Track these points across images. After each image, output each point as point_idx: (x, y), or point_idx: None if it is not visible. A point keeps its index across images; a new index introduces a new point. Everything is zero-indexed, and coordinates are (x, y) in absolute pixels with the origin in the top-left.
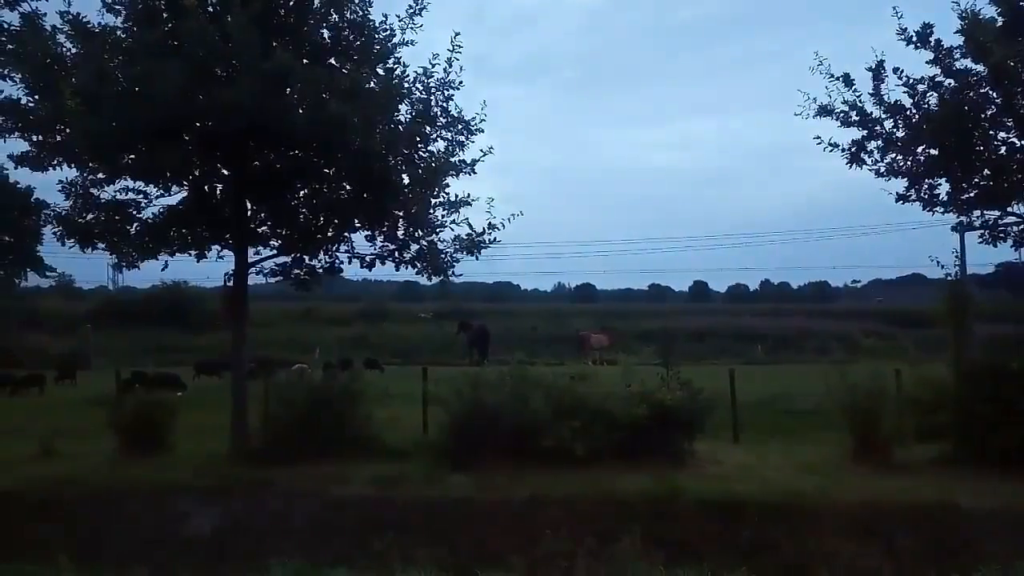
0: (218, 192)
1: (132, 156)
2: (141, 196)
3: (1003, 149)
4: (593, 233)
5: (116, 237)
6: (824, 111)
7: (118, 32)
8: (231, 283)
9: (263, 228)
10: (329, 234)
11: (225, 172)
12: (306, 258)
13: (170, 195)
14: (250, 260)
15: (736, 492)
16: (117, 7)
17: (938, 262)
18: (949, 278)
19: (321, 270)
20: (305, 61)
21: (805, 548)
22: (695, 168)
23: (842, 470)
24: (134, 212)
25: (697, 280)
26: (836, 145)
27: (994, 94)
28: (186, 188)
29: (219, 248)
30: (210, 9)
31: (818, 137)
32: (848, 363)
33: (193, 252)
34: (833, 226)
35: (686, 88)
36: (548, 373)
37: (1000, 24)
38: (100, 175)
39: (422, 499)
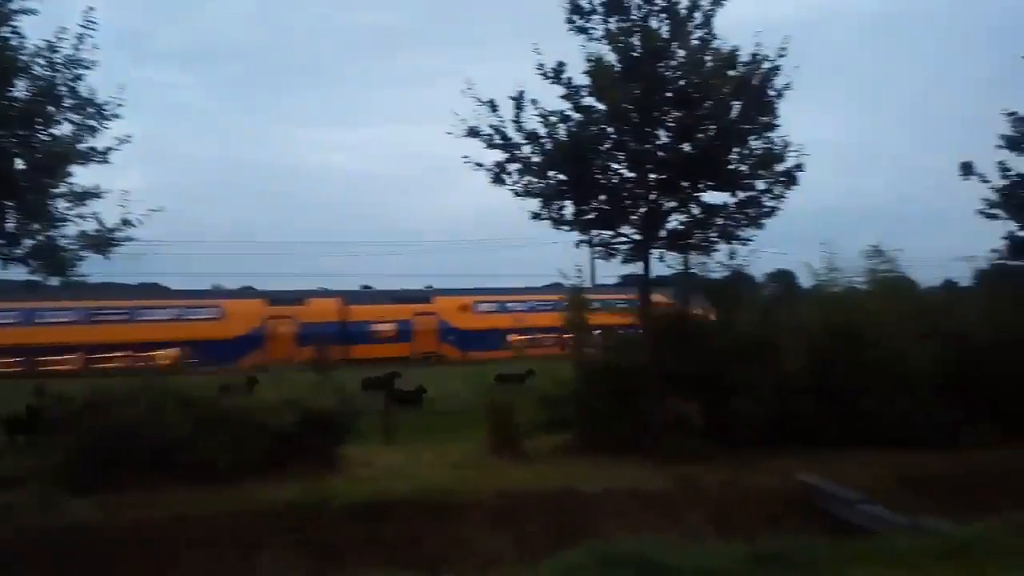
0: None
1: None
2: None
3: (616, 179)
4: (258, 233)
5: None
6: (472, 132)
7: None
8: None
9: None
10: None
11: None
12: None
13: None
14: None
15: (383, 492)
16: None
17: (563, 273)
18: (572, 286)
19: None
20: None
21: (444, 539)
22: (369, 173)
23: (481, 464)
24: None
25: (364, 284)
26: (481, 164)
27: (610, 130)
28: None
29: None
30: None
31: (466, 156)
32: (497, 363)
33: None
34: (493, 236)
35: (363, 93)
36: (192, 384)
37: (618, 69)
38: None
39: (34, 529)
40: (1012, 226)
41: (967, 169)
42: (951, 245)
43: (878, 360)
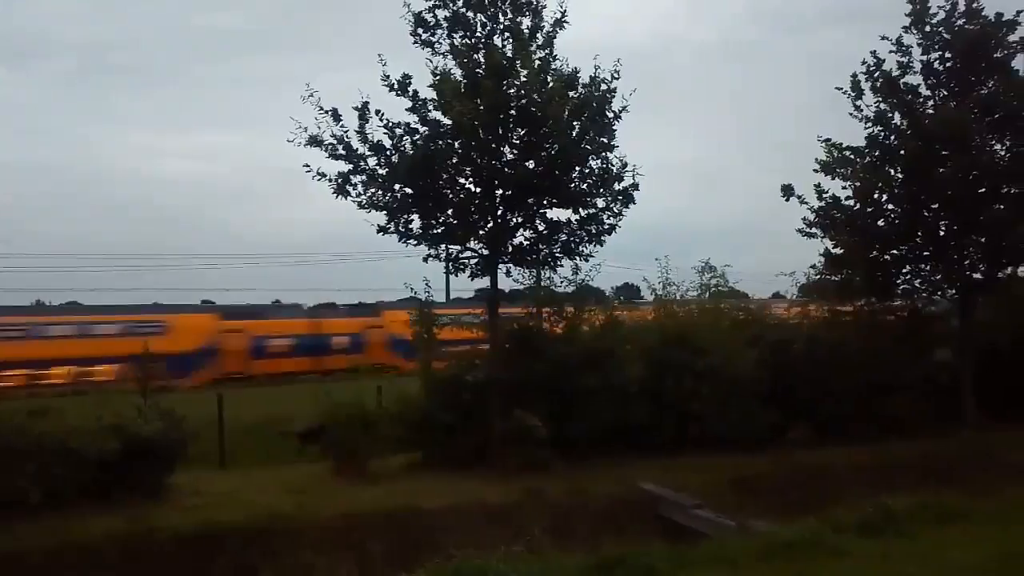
0: None
1: None
2: None
3: (463, 194)
4: (88, 245)
5: None
6: (314, 141)
7: None
8: None
9: None
10: None
11: None
12: None
13: None
14: None
15: (215, 521)
16: None
17: (411, 287)
18: (419, 301)
19: None
20: None
21: (282, 568)
22: (215, 183)
23: (325, 486)
24: None
25: (204, 299)
26: (324, 175)
27: (457, 145)
28: None
29: None
30: None
31: (307, 165)
32: (344, 380)
33: None
34: (353, 249)
35: (208, 99)
36: None
37: (463, 84)
38: None
39: None
40: (828, 244)
41: (787, 191)
42: (789, 260)
43: (709, 367)
